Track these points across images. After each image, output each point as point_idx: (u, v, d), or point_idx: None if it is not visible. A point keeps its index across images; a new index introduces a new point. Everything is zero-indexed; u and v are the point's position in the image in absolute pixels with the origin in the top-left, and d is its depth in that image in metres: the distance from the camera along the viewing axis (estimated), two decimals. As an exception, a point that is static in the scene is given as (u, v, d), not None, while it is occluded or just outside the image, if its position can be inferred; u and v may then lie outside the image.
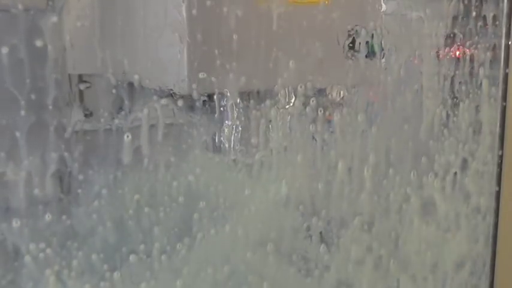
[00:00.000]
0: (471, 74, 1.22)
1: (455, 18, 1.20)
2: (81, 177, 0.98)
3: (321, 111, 1.13)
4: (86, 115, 0.99)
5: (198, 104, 1.00)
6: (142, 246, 1.00)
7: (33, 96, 0.88)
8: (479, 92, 1.22)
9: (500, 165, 1.15)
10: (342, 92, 1.12)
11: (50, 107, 0.90)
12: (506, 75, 1.09)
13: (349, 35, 1.04)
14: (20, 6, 0.87)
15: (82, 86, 0.99)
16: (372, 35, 1.06)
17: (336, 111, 1.13)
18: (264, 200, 1.10)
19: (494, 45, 1.14)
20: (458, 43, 1.21)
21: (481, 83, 1.20)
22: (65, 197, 1.01)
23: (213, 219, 1.07)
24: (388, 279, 1.20)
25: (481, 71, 1.20)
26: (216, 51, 0.94)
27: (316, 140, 1.15)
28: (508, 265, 1.12)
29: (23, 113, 0.87)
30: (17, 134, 0.88)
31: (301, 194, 1.13)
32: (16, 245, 0.94)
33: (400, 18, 1.13)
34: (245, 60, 0.96)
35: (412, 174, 1.21)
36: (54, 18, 0.93)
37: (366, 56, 1.07)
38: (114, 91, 0.95)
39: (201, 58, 0.93)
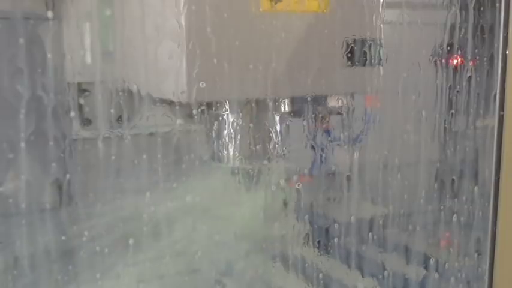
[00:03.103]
0: (469, 82, 1.23)
1: (452, 27, 1.20)
2: (80, 185, 0.98)
3: (319, 120, 1.13)
4: (84, 123, 0.99)
5: (197, 112, 1.00)
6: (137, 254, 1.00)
7: (31, 105, 0.88)
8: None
9: (498, 173, 1.15)
10: (340, 101, 1.13)
11: (49, 115, 0.90)
12: (503, 84, 1.09)
13: (347, 44, 1.04)
14: (20, 15, 0.88)
15: (82, 95, 0.99)
16: (370, 44, 1.06)
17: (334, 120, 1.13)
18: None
19: (492, 54, 1.14)
20: (456, 52, 1.22)
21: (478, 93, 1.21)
22: (64, 205, 1.02)
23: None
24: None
25: (478, 80, 1.21)
26: (215, 61, 0.94)
27: (314, 148, 1.15)
28: (508, 265, 1.12)
29: (21, 121, 0.88)
30: (15, 142, 0.88)
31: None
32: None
33: (399, 27, 1.14)
34: (244, 69, 0.97)
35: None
36: (54, 27, 0.93)
37: (364, 65, 1.07)
38: (113, 99, 0.96)
39: (200, 67, 0.93)
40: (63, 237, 0.97)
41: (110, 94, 0.96)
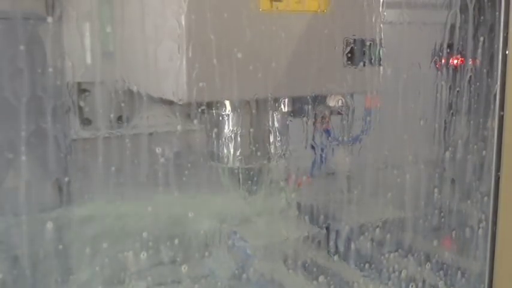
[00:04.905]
0: (469, 83, 1.23)
1: (453, 27, 1.20)
2: (79, 185, 0.98)
3: (319, 119, 1.13)
4: (84, 123, 1.00)
5: (197, 112, 1.00)
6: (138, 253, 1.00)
7: (31, 105, 0.88)
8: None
9: (498, 173, 1.15)
10: (340, 101, 1.13)
11: (49, 116, 0.90)
12: (503, 85, 1.09)
13: (347, 44, 1.04)
14: (20, 15, 0.88)
15: (81, 95, 0.99)
16: (370, 44, 1.06)
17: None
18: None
19: (492, 54, 1.15)
20: (456, 53, 1.22)
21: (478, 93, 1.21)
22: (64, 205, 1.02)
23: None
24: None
25: (478, 80, 1.21)
26: (215, 60, 0.94)
27: (314, 148, 1.15)
28: (508, 265, 1.12)
29: (21, 121, 0.88)
30: (15, 142, 0.88)
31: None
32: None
33: (399, 28, 1.14)
34: (244, 69, 0.97)
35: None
36: (54, 27, 0.93)
37: (364, 65, 1.07)
38: (112, 99, 0.96)
39: (200, 67, 0.93)
40: (63, 237, 0.98)
41: (110, 94, 0.96)
